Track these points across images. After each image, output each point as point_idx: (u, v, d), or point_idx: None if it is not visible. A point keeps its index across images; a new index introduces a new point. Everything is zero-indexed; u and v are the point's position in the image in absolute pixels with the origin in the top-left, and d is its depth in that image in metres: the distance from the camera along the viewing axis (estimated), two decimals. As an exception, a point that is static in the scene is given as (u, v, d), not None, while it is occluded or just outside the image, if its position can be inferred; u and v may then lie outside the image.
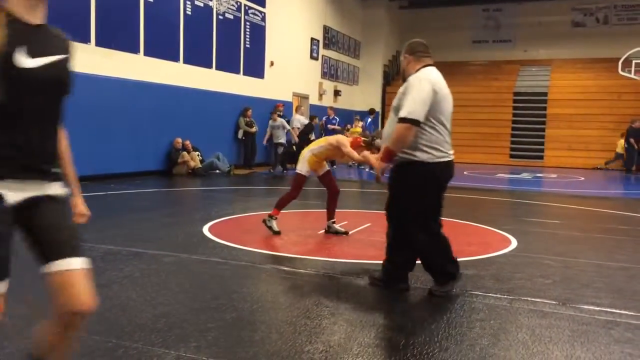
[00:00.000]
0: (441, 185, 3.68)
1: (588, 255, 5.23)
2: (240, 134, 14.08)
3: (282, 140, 14.07)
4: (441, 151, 3.57)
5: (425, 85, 3.51)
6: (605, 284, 4.20)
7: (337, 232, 5.79)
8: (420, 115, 3.45)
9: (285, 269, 4.38)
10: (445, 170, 3.63)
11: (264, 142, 14.42)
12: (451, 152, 3.68)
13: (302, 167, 5.72)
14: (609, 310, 3.55)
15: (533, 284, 4.12)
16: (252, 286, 3.91)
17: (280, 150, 14.14)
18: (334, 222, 5.83)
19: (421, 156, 3.53)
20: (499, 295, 3.79)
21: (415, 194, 3.62)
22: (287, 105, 16.99)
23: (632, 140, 17.25)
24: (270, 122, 14.26)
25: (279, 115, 14.39)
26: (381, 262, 4.69)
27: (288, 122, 15.89)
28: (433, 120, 3.53)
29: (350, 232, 5.91)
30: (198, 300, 3.49)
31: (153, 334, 2.88)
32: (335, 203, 5.82)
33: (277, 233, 5.61)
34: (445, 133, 3.61)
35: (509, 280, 4.21)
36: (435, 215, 3.72)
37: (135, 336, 2.85)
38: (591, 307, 3.59)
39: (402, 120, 3.46)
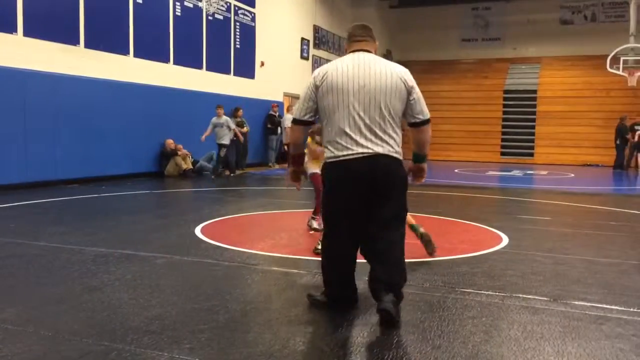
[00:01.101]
0: (338, 186, 3.16)
1: (579, 251, 5.27)
2: (231, 135, 13.98)
3: (225, 141, 12.45)
4: (331, 151, 3.17)
5: (311, 80, 3.24)
6: (596, 279, 4.24)
7: (315, 229, 5.81)
8: (298, 114, 3.27)
9: (278, 269, 4.38)
10: (338, 169, 3.13)
11: (202, 138, 12.36)
12: (347, 152, 3.09)
13: (314, 167, 5.73)
14: (599, 305, 3.58)
15: (524, 281, 4.14)
16: (245, 287, 3.91)
17: (223, 152, 12.53)
18: (314, 218, 5.94)
19: (326, 154, 3.25)
20: (491, 293, 3.81)
21: (323, 196, 3.34)
22: (279, 105, 16.98)
23: (628, 136, 17.31)
24: (214, 118, 12.49)
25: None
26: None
27: (280, 122, 15.88)
28: (322, 118, 3.22)
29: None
30: (191, 302, 3.49)
31: (146, 336, 2.88)
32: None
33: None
34: (335, 130, 3.13)
35: (500, 278, 4.23)
36: (338, 226, 3.21)
37: (127, 339, 2.84)
38: (582, 303, 3.62)
39: None
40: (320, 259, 3.47)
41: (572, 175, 15.50)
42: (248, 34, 15.39)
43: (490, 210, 8.56)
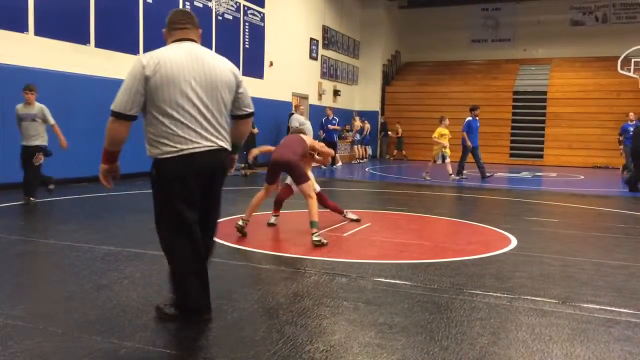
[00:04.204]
0: (173, 185, 2.99)
1: (587, 253, 5.24)
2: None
3: (39, 141, 7.62)
4: (169, 145, 2.93)
5: (135, 68, 2.96)
6: (605, 282, 4.21)
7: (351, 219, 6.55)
8: (120, 107, 2.91)
9: (286, 269, 4.39)
10: (177, 166, 2.95)
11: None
12: (193, 145, 2.95)
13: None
14: (608, 308, 3.56)
15: (533, 283, 4.13)
16: (252, 286, 3.92)
17: (39, 160, 7.58)
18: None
19: (152, 151, 3.02)
20: (499, 294, 3.80)
21: (154, 193, 3.13)
22: (287, 105, 17.00)
23: None
24: (19, 107, 7.66)
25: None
26: (380, 261, 4.71)
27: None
28: (152, 111, 2.94)
29: (349, 233, 5.93)
30: (199, 301, 3.50)
31: (154, 334, 2.89)
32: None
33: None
34: (174, 124, 2.92)
35: (509, 279, 4.22)
36: (178, 223, 3.03)
37: (136, 336, 2.86)
38: (591, 306, 3.60)
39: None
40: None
41: (582, 177, 15.41)
42: (257, 34, 15.41)
43: (499, 212, 8.53)
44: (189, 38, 3.10)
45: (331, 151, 6.43)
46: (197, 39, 3.15)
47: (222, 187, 3.24)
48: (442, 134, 12.83)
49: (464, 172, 13.31)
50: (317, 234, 5.24)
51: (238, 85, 3.17)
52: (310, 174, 6.02)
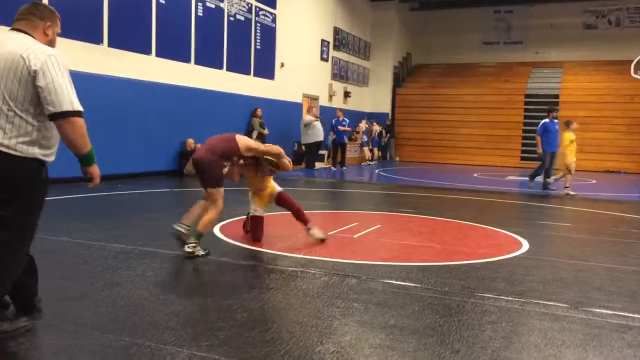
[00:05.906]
0: None
1: (600, 258, 5.20)
2: (254, 135, 14.07)
3: None
4: None
5: None
6: (618, 287, 4.18)
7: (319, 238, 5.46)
8: None
9: (296, 269, 4.39)
10: None
11: None
12: None
13: (258, 207, 5.59)
14: (621, 314, 3.53)
15: (545, 287, 4.10)
16: (262, 286, 3.92)
17: None
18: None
19: None
20: (511, 298, 3.78)
21: None
22: (298, 106, 17.02)
23: None
24: None
25: None
26: (390, 263, 4.70)
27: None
28: None
29: (359, 234, 5.92)
30: (209, 300, 3.51)
31: (165, 333, 2.90)
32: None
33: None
34: None
35: (520, 283, 4.19)
36: None
37: (147, 334, 2.87)
38: (603, 311, 3.57)
39: None
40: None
41: (594, 181, 15.29)
42: (268, 35, 15.44)
43: (510, 215, 8.48)
44: (18, 28, 2.85)
45: (276, 149, 5.22)
46: (36, 30, 2.90)
47: (18, 202, 2.78)
48: (572, 140, 11.22)
49: (551, 179, 12.11)
50: (193, 245, 4.56)
51: (34, 76, 2.67)
52: (272, 182, 5.53)
